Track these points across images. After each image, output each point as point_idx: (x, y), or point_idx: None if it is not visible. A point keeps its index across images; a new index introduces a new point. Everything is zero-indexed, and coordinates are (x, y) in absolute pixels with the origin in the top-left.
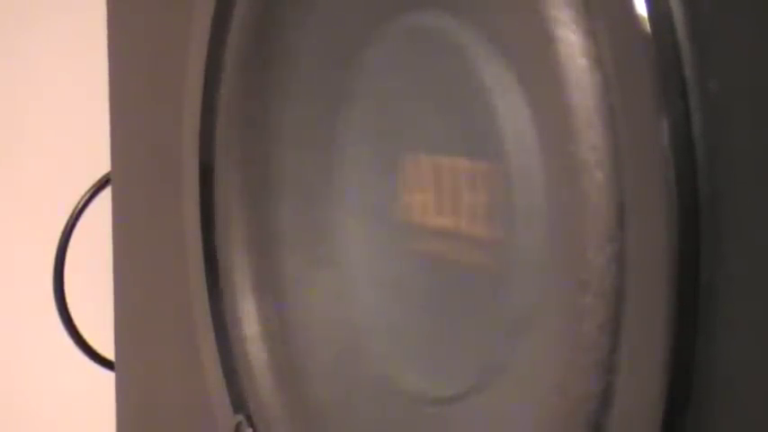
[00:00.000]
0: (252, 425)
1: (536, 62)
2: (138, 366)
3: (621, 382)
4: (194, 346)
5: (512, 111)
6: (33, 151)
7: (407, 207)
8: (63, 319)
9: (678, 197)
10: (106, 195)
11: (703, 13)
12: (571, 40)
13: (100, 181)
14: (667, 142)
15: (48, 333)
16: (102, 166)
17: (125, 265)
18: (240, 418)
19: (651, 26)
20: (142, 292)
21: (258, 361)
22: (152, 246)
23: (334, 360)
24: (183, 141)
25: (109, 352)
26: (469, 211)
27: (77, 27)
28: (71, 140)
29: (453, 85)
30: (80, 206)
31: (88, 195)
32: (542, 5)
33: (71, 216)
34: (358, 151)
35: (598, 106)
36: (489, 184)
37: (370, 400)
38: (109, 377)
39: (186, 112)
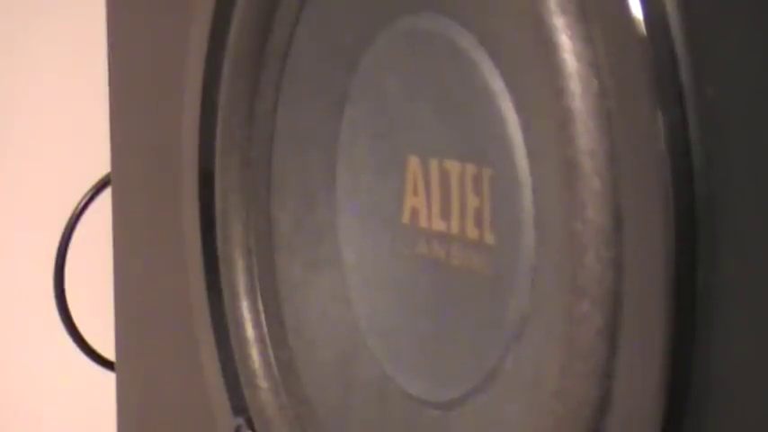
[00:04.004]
0: (252, 427)
1: (532, 67)
2: (138, 367)
3: (619, 388)
4: (194, 346)
5: (509, 115)
6: (33, 151)
7: (407, 210)
8: (63, 319)
9: (675, 202)
10: (106, 196)
11: (699, 17)
12: (567, 45)
13: (100, 181)
14: (664, 147)
15: (48, 333)
16: (102, 166)
17: (125, 266)
18: (240, 420)
19: (647, 31)
20: (142, 293)
21: (258, 363)
22: (152, 246)
23: (334, 362)
24: (183, 142)
25: (109, 352)
26: (467, 215)
27: (77, 27)
28: (71, 140)
29: (452, 90)
30: (80, 206)
31: (88, 196)
32: (539, 11)
33: (71, 216)
34: (358, 153)
35: (595, 111)
36: (487, 188)
37: (370, 403)
38: (109, 377)
39: (186, 112)
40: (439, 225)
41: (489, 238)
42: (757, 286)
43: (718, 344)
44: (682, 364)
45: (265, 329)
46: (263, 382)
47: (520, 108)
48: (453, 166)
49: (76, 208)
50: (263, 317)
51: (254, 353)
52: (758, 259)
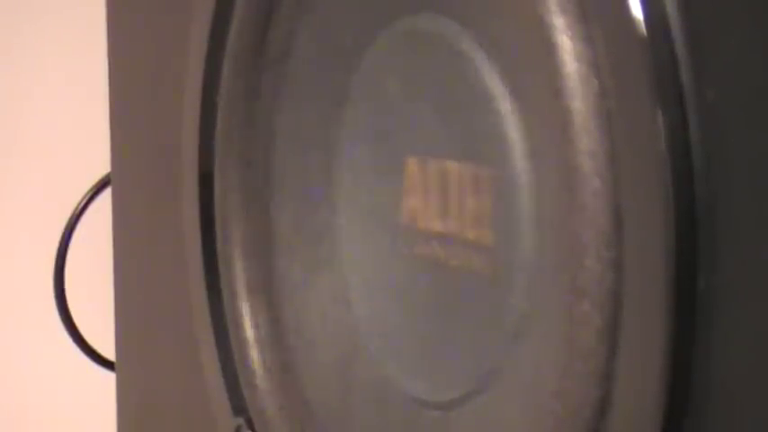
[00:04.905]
0: (252, 428)
1: (532, 68)
2: (138, 366)
3: (619, 389)
4: (194, 346)
5: (509, 116)
6: (33, 152)
7: (406, 210)
8: (63, 319)
9: (675, 203)
10: (106, 196)
11: (700, 18)
12: (567, 45)
13: (100, 182)
14: (664, 146)
15: (48, 333)
16: (102, 166)
17: (125, 266)
18: (240, 421)
19: (648, 32)
20: (142, 293)
21: (258, 364)
22: (152, 246)
23: (334, 363)
24: (183, 142)
25: (109, 352)
26: (467, 216)
27: (77, 27)
28: (71, 140)
29: (452, 90)
30: (80, 207)
31: (88, 196)
32: (539, 12)
33: (71, 216)
34: (358, 154)
35: (595, 112)
36: (487, 188)
37: (370, 403)
38: (109, 377)
39: (186, 113)
40: (438, 226)
41: (489, 238)
42: (757, 287)
43: (718, 344)
44: (682, 364)
45: (265, 330)
46: (262, 383)
47: (519, 108)
48: (452, 166)
49: (76, 208)
50: (262, 317)
51: (254, 353)
52: (758, 260)
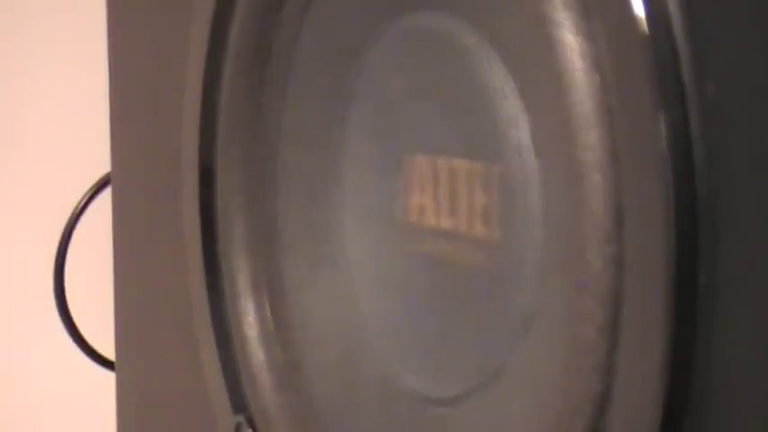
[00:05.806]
0: (252, 426)
1: (535, 64)
2: (138, 366)
3: (620, 385)
4: (194, 346)
5: (511, 112)
6: (33, 151)
7: (408, 208)
8: (63, 319)
9: (676, 199)
10: (106, 195)
11: (701, 15)
12: (570, 42)
13: (100, 181)
14: (665, 144)
15: (48, 333)
16: (102, 166)
17: (125, 265)
18: (240, 418)
19: (649, 28)
20: (142, 292)
21: (258, 362)
22: (152, 246)
23: (336, 361)
24: (183, 141)
25: (109, 352)
26: (470, 213)
27: (77, 27)
28: (71, 140)
29: (454, 87)
30: (80, 206)
31: (88, 196)
32: (541, 8)
33: (71, 216)
34: (359, 152)
35: (596, 108)
36: (489, 185)
37: (372, 401)
38: (109, 377)
39: (186, 112)
40: (446, 223)
41: (496, 235)
42: (758, 285)
43: (719, 342)
44: (682, 362)
45: (268, 328)
46: (265, 381)
47: (526, 105)
48: (461, 163)
49: (76, 208)
50: (265, 315)
51: (257, 351)
52: (759, 258)
